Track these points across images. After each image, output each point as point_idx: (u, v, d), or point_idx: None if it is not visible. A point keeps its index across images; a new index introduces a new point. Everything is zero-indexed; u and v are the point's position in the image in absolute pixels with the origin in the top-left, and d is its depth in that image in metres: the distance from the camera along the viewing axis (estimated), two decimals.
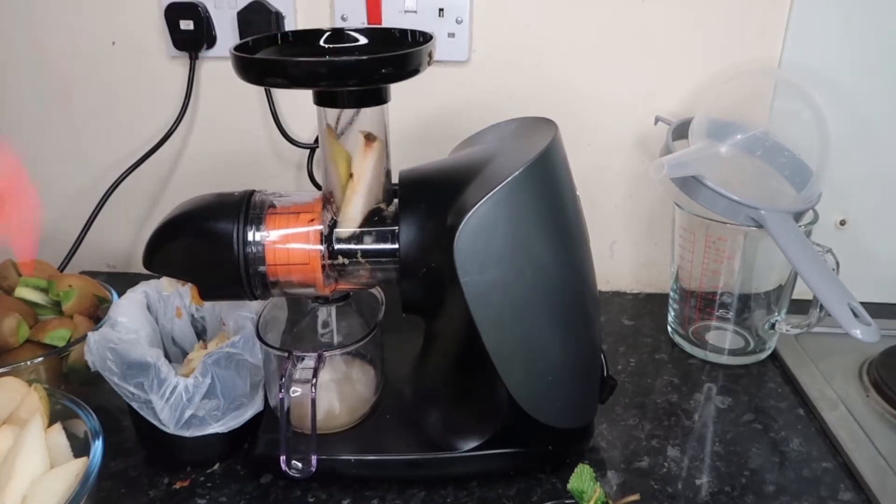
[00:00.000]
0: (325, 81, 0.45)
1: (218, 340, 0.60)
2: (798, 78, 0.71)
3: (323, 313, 0.59)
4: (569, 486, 0.47)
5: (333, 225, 0.51)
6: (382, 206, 0.52)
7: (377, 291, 0.59)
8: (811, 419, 0.63)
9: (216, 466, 0.56)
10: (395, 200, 0.52)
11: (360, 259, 0.51)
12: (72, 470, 0.45)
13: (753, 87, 0.76)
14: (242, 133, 0.83)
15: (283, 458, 0.51)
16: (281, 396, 0.49)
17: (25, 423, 0.47)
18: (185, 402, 0.52)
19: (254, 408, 0.56)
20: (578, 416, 0.55)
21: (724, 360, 0.71)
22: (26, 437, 0.46)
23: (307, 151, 0.82)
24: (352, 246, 0.51)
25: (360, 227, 0.51)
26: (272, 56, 0.49)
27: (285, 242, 0.50)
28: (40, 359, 0.58)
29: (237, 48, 0.46)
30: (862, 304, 0.57)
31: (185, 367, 0.58)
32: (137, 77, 0.81)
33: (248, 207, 0.51)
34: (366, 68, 0.44)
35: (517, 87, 0.78)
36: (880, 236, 0.80)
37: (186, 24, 0.76)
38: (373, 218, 0.52)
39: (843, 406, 0.63)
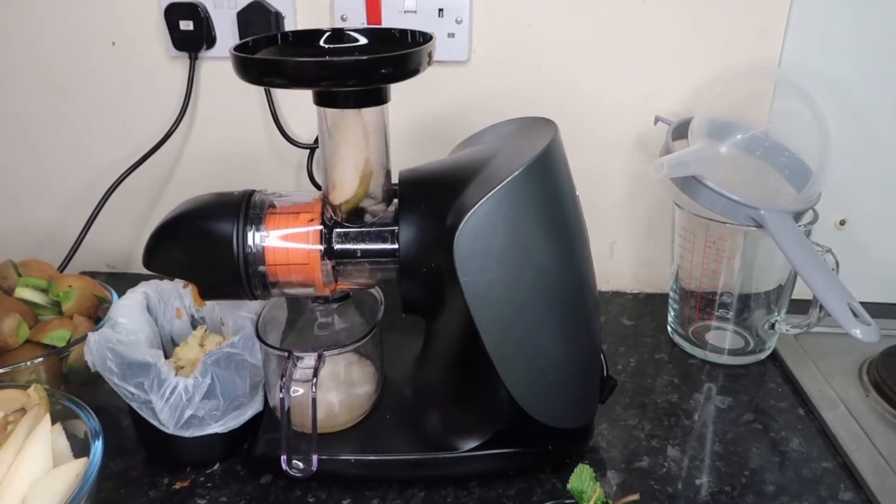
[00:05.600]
0: (325, 81, 0.45)
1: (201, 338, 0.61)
2: (798, 78, 0.71)
3: (322, 313, 0.59)
4: (569, 486, 0.47)
5: (333, 225, 0.51)
6: (382, 205, 0.52)
7: (376, 291, 0.59)
8: (811, 419, 0.63)
9: (216, 466, 0.56)
10: (395, 200, 0.52)
11: (360, 259, 0.51)
12: (72, 470, 0.45)
13: (753, 87, 0.76)
14: (242, 133, 0.83)
15: (283, 457, 0.51)
16: (281, 396, 0.49)
17: (26, 424, 0.47)
18: (185, 403, 0.52)
19: (253, 408, 0.56)
20: (578, 416, 0.55)
21: (724, 360, 0.71)
22: (29, 437, 0.46)
23: (307, 151, 0.82)
24: (351, 246, 0.51)
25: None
26: (272, 56, 0.49)
27: (285, 242, 0.50)
28: (40, 359, 0.58)
29: (237, 48, 0.46)
30: (862, 304, 0.57)
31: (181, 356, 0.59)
32: (137, 77, 0.81)
33: (247, 207, 0.51)
34: (365, 68, 0.44)
35: (517, 87, 0.78)
36: (880, 236, 0.80)
37: (186, 25, 0.76)
38: (373, 216, 0.52)
39: (843, 406, 0.63)
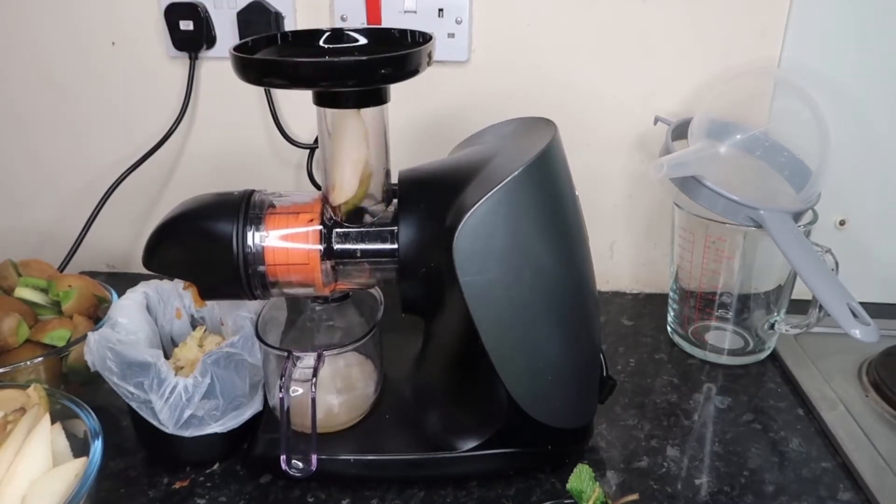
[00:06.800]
0: (325, 82, 0.45)
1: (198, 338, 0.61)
2: (798, 78, 0.71)
3: (322, 313, 0.59)
4: (568, 486, 0.47)
5: (333, 225, 0.51)
6: (382, 205, 0.52)
7: (376, 291, 0.59)
8: (810, 419, 0.63)
9: (216, 466, 0.56)
10: (395, 200, 0.52)
11: (360, 259, 0.51)
12: (71, 470, 0.45)
13: (753, 87, 0.76)
14: (242, 133, 0.83)
15: (283, 457, 0.51)
16: (281, 396, 0.49)
17: (26, 424, 0.47)
18: (185, 402, 0.52)
19: (253, 408, 0.56)
20: (578, 416, 0.55)
21: (724, 360, 0.71)
22: (28, 437, 0.46)
23: (307, 151, 0.82)
24: (351, 246, 0.51)
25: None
26: (271, 56, 0.49)
27: (285, 242, 0.50)
28: (40, 359, 0.58)
29: (237, 48, 0.46)
30: (861, 304, 0.57)
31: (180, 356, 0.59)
32: (137, 77, 0.81)
33: (247, 207, 0.51)
34: (365, 69, 0.44)
35: (517, 87, 0.78)
36: (880, 236, 0.80)
37: (186, 25, 0.76)
38: (372, 216, 0.52)
39: (842, 406, 0.63)
